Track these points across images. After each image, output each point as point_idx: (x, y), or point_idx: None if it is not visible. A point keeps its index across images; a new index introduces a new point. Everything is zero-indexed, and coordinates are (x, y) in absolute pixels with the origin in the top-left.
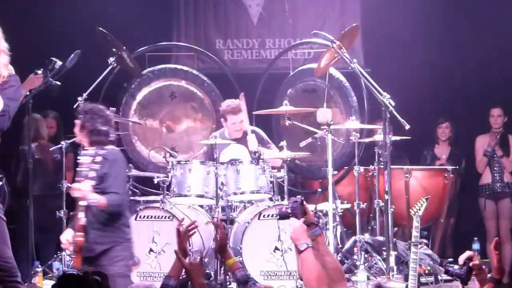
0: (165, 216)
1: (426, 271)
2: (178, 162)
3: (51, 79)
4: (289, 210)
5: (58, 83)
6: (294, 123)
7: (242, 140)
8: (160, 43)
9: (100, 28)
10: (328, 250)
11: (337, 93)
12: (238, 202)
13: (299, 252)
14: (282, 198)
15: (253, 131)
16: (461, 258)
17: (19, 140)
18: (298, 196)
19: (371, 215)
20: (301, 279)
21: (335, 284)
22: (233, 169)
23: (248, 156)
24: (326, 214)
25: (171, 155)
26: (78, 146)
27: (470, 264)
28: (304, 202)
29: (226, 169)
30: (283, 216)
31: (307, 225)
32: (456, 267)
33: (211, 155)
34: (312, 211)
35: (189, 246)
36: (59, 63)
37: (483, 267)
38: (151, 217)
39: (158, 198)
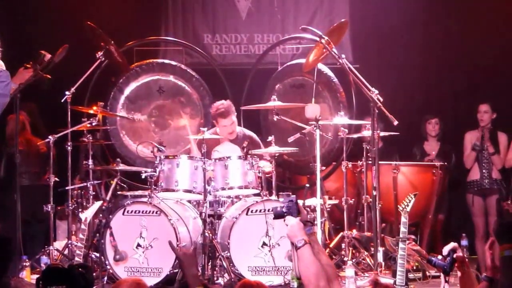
0: (153, 211)
1: (414, 267)
2: (166, 157)
3: (40, 73)
4: (284, 209)
5: (49, 76)
6: (282, 118)
7: (235, 140)
8: (148, 38)
9: (89, 22)
10: (321, 248)
11: (325, 89)
12: (226, 197)
13: (297, 248)
14: (270, 194)
15: (248, 137)
16: (445, 249)
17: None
18: (292, 196)
19: (359, 211)
20: (299, 278)
21: (331, 281)
22: (221, 164)
23: (239, 151)
24: (314, 210)
25: (159, 150)
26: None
27: (454, 256)
28: (298, 201)
29: (214, 164)
30: (278, 216)
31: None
32: (439, 257)
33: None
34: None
35: (177, 241)
36: (48, 56)
37: (466, 259)
38: (139, 212)
39: (146, 193)
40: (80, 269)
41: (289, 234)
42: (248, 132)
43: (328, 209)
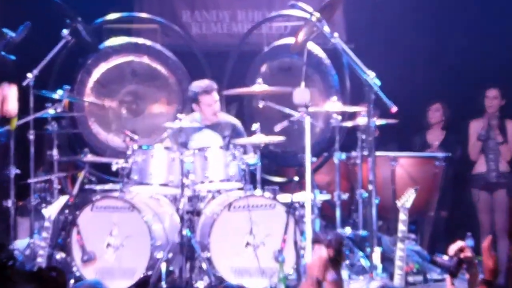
0: (125, 207)
1: (414, 270)
2: (140, 147)
3: (3, 53)
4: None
5: (13, 57)
6: (268, 105)
7: (216, 126)
8: (120, 14)
9: None
10: None
11: (316, 72)
12: (206, 192)
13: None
14: (255, 188)
15: (231, 125)
16: (451, 249)
17: None
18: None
19: (353, 207)
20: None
21: None
22: (201, 155)
23: (220, 140)
24: (303, 206)
25: (131, 139)
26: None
27: (461, 256)
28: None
29: (193, 156)
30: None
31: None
32: (445, 257)
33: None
34: (290, 203)
35: (151, 240)
36: (11, 34)
37: (475, 261)
38: (109, 208)
39: (117, 187)
40: (51, 272)
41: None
42: (231, 119)
43: (319, 205)
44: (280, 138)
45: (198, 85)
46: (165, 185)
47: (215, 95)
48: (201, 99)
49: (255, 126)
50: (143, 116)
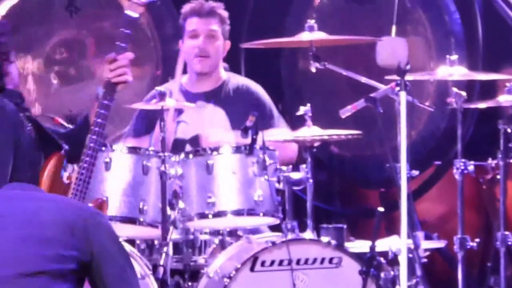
0: None
1: None
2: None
3: None
4: None
5: None
6: (328, 68)
7: (216, 92)
8: None
9: None
10: None
11: (419, 6)
12: (208, 234)
13: None
14: (302, 226)
15: (252, 97)
16: None
17: None
18: None
19: (489, 264)
20: None
21: None
22: (199, 163)
23: (229, 128)
24: (395, 261)
25: None
26: None
27: None
28: None
29: (185, 163)
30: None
31: None
32: None
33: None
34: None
35: None
36: None
37: None
38: None
39: None
40: None
41: None
42: (250, 83)
43: (425, 260)
44: (351, 132)
45: (188, 5)
46: (131, 220)
47: (214, 24)
48: (188, 25)
49: (303, 109)
50: (88, 87)
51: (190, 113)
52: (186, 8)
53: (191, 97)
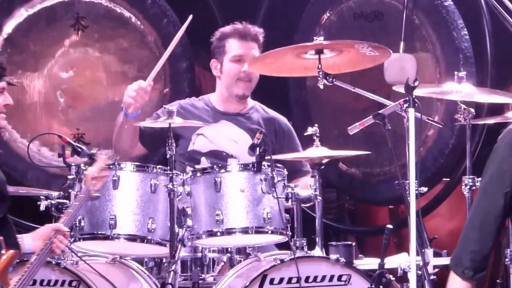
0: (65, 282)
1: None
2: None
3: None
4: None
5: None
6: (337, 84)
7: (242, 116)
8: None
9: None
10: None
11: (428, 23)
12: (217, 252)
13: None
14: (311, 244)
15: (276, 123)
16: None
17: None
18: None
19: (498, 281)
20: None
21: None
22: (207, 181)
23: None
24: (404, 278)
25: (74, 151)
26: None
27: None
28: None
29: (192, 181)
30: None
31: None
32: None
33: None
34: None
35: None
36: None
37: None
38: (37, 283)
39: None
40: None
41: None
42: (274, 114)
43: (434, 277)
44: (359, 153)
45: (229, 28)
46: (138, 238)
47: (256, 49)
48: (227, 49)
49: (312, 130)
50: (97, 105)
51: (211, 128)
52: (226, 29)
53: (218, 115)
